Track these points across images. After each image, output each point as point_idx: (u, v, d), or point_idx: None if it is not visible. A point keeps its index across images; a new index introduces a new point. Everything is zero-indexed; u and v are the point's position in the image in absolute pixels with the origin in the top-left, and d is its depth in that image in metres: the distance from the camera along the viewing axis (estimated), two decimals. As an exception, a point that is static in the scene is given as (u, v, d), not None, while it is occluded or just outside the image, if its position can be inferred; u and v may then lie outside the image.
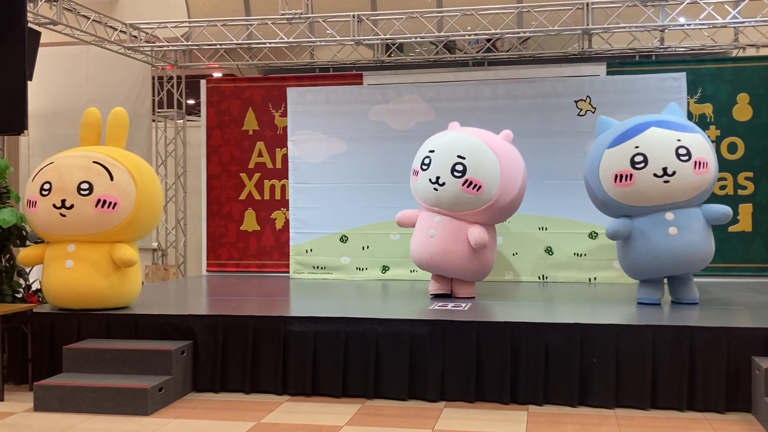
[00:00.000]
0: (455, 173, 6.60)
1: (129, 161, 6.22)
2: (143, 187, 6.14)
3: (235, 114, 9.73)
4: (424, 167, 6.78)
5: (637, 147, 6.25)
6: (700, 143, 6.25)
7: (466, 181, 6.58)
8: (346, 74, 9.59)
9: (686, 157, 6.14)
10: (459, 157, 6.63)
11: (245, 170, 9.66)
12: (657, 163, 6.16)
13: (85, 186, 5.99)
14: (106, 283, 6.08)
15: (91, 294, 6.07)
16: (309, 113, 9.22)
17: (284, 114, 9.44)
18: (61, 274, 6.04)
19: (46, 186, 6.04)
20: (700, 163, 6.16)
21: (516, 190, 6.76)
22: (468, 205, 6.67)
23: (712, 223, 6.31)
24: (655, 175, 6.16)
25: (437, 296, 7.01)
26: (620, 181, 6.27)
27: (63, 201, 5.97)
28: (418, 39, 8.73)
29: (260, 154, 9.65)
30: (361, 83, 9.44)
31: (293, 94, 9.33)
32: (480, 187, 6.59)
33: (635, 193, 6.24)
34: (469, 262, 6.80)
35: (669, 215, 6.25)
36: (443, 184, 6.65)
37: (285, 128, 9.42)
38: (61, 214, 5.97)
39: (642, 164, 6.19)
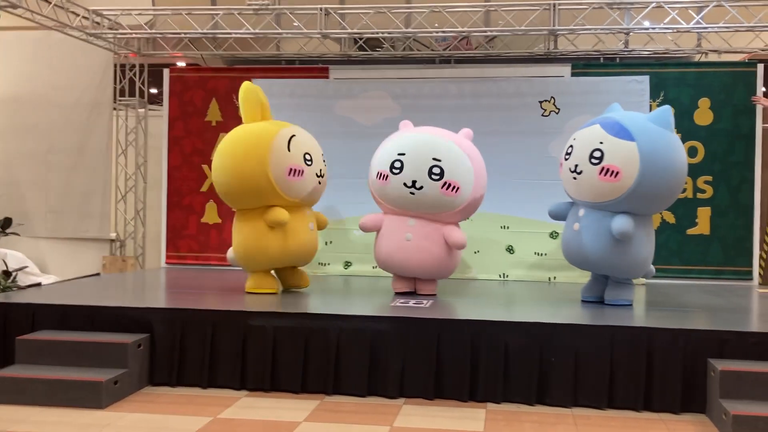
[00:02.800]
0: (433, 176, 6.62)
1: None
2: None
3: (199, 104, 9.62)
4: (396, 171, 6.70)
5: (574, 139, 6.53)
6: (624, 153, 6.16)
7: (445, 183, 6.64)
8: (313, 67, 9.53)
9: (596, 161, 6.25)
10: (435, 159, 6.65)
11: (207, 162, 9.51)
12: (574, 159, 6.41)
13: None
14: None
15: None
16: (274, 106, 8.86)
17: (248, 106, 9.32)
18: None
19: (307, 157, 6.71)
20: (608, 170, 6.19)
21: (484, 188, 6.91)
22: (446, 207, 6.74)
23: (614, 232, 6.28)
24: (570, 169, 6.43)
25: (401, 294, 7.02)
26: (561, 167, 6.64)
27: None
28: (386, 34, 8.72)
29: (223, 146, 9.54)
30: (328, 77, 9.39)
31: (259, 85, 9.19)
32: (458, 188, 6.67)
33: (563, 181, 6.62)
34: (442, 262, 6.88)
35: (581, 211, 6.50)
36: (421, 187, 6.64)
37: (249, 120, 9.31)
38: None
39: (568, 157, 6.49)
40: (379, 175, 6.84)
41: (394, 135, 7.10)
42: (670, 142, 6.23)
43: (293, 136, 6.73)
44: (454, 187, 6.66)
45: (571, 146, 6.53)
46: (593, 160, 6.28)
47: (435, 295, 7.02)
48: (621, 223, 6.20)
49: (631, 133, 6.19)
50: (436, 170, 6.63)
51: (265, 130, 6.67)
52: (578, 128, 6.65)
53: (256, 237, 6.68)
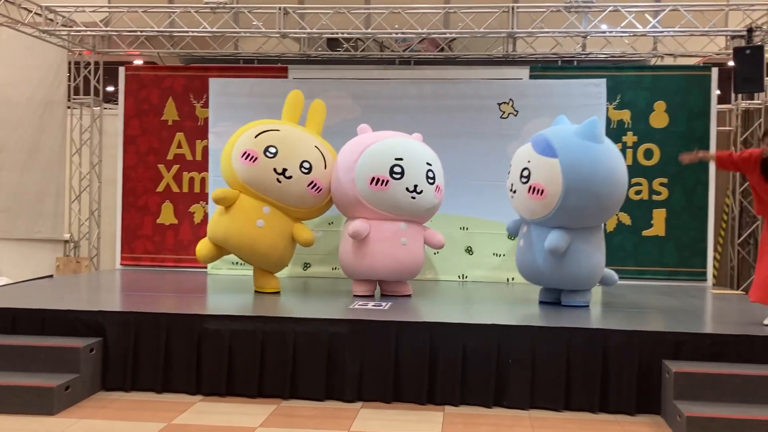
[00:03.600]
0: (429, 180, 6.83)
1: (332, 150, 7.23)
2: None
3: (155, 103, 9.49)
4: (396, 176, 6.70)
5: (512, 158, 6.80)
6: (546, 170, 6.26)
7: (437, 187, 6.92)
8: (271, 67, 9.46)
9: (525, 180, 6.44)
10: (428, 164, 6.88)
11: (163, 161, 9.43)
12: (510, 178, 6.71)
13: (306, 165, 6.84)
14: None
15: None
16: (232, 105, 9.01)
17: (205, 105, 9.22)
18: (250, 230, 6.81)
19: (273, 150, 6.78)
20: (534, 188, 6.34)
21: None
22: (434, 210, 7.06)
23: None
24: (509, 189, 6.74)
25: (360, 296, 7.00)
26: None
27: (284, 170, 6.75)
28: (345, 35, 8.68)
29: (179, 146, 9.45)
30: (287, 77, 9.32)
31: (215, 84, 9.11)
32: (441, 190, 7.00)
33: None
34: (423, 263, 7.13)
35: (524, 228, 6.74)
36: (421, 192, 6.77)
37: (206, 119, 9.19)
38: (278, 180, 6.76)
39: (508, 175, 6.79)
40: (377, 181, 6.73)
41: (365, 140, 7.01)
42: (594, 154, 6.26)
43: (276, 131, 6.94)
44: (440, 189, 6.98)
45: (510, 165, 6.74)
46: (522, 179, 6.47)
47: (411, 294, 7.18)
48: (550, 239, 6.32)
49: (555, 150, 6.29)
50: (430, 174, 6.86)
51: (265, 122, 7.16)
52: (522, 139, 6.78)
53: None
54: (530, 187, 6.35)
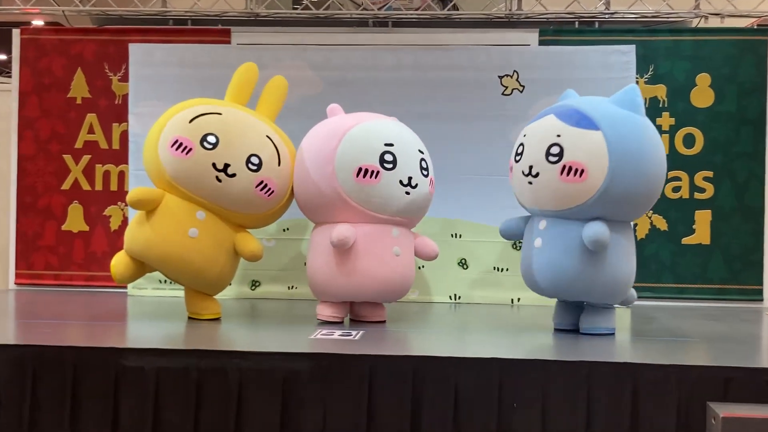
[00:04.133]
0: (423, 172, 6.87)
1: (288, 142, 7.24)
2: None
3: (59, 76, 9.45)
4: (388, 166, 6.71)
5: (524, 135, 6.68)
6: (586, 146, 6.29)
7: (431, 180, 6.97)
8: (209, 29, 9.46)
9: (555, 158, 6.35)
10: (420, 152, 6.94)
11: (70, 151, 9.39)
12: (527, 160, 6.52)
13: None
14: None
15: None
16: (158, 78, 8.99)
17: (125, 78, 9.21)
18: (179, 240, 6.75)
19: (212, 139, 6.73)
20: (570, 168, 6.29)
21: None
22: (425, 209, 7.10)
23: (587, 244, 6.36)
24: (523, 173, 6.55)
25: (326, 323, 6.98)
26: (511, 171, 6.75)
27: (227, 166, 6.69)
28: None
29: (91, 130, 9.41)
30: (229, 42, 9.34)
31: (137, 52, 9.09)
32: (433, 184, 7.05)
33: (514, 189, 6.77)
34: (413, 279, 7.16)
35: (542, 224, 6.60)
36: (416, 185, 6.79)
37: (125, 97, 9.19)
38: (217, 178, 6.69)
39: (519, 158, 6.60)
40: (365, 172, 6.72)
41: (341, 122, 6.99)
42: (642, 127, 6.37)
43: (217, 114, 6.93)
44: (433, 183, 7.04)
45: (522, 144, 6.62)
46: (551, 158, 6.36)
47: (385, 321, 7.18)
48: (594, 229, 6.25)
49: (594, 121, 6.29)
50: (423, 164, 6.90)
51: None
52: (529, 121, 6.75)
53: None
54: (564, 166, 6.30)
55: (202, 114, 6.90)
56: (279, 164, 6.96)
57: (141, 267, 7.01)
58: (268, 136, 7.00)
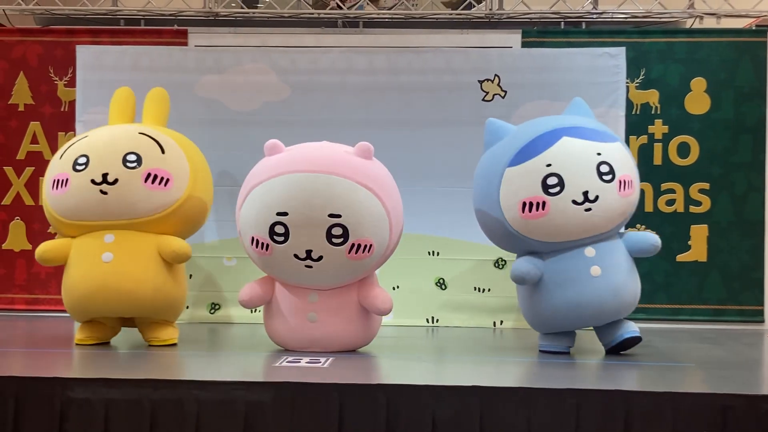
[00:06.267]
0: (333, 241, 6.50)
1: (177, 137, 7.23)
2: (195, 166, 7.13)
3: (-1, 81, 9.42)
4: (279, 239, 6.55)
5: (549, 165, 6.51)
6: (621, 156, 6.67)
7: (353, 246, 6.52)
8: (164, 30, 9.45)
9: (609, 176, 6.47)
10: (332, 216, 6.47)
11: (11, 163, 9.34)
12: (577, 187, 6.46)
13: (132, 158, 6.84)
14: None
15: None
16: (108, 83, 8.90)
17: (72, 83, 9.20)
18: (97, 271, 6.73)
19: (82, 160, 6.77)
20: (625, 182, 6.55)
21: (402, 220, 6.91)
22: (356, 274, 6.75)
23: (637, 255, 6.72)
24: (574, 201, 6.46)
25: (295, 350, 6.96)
26: (530, 210, 6.52)
27: (105, 175, 6.69)
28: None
29: (35, 140, 9.38)
30: (186, 44, 9.33)
31: (86, 54, 9.06)
32: (371, 246, 6.59)
33: (550, 226, 6.52)
34: (360, 334, 6.97)
35: (589, 251, 6.58)
36: (320, 258, 6.55)
37: (72, 103, 9.18)
38: (101, 191, 6.70)
39: (557, 188, 6.47)
40: (256, 243, 6.68)
41: (257, 173, 6.84)
42: None
43: (83, 138, 7.13)
44: (365, 246, 6.57)
45: (555, 175, 6.47)
46: (605, 177, 6.48)
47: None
48: (652, 238, 6.73)
49: (609, 133, 6.76)
50: (336, 231, 6.48)
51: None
52: (539, 151, 6.61)
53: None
54: (621, 182, 6.53)
55: (70, 146, 7.09)
56: (163, 152, 7.01)
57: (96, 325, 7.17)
58: (140, 133, 7.09)
